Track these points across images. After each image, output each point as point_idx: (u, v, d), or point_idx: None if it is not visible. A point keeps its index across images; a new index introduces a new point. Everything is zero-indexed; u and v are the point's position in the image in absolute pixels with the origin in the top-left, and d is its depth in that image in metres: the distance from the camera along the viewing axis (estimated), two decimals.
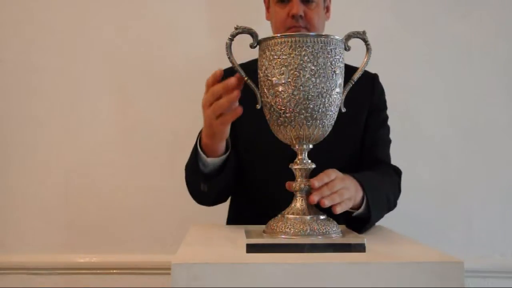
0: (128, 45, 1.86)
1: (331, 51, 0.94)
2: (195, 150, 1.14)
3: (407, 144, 1.81)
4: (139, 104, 1.86)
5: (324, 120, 0.97)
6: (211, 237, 1.07)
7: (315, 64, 0.92)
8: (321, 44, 0.93)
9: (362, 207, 1.12)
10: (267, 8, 1.41)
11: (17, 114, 1.85)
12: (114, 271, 1.83)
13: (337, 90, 0.97)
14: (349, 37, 1.00)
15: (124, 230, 1.85)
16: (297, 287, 0.80)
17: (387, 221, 1.32)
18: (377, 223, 1.31)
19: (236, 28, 0.95)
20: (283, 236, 0.93)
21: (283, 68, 0.93)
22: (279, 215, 0.99)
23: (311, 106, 0.94)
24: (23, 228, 1.85)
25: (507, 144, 1.89)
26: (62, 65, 1.85)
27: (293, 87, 0.93)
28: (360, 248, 0.91)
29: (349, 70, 1.42)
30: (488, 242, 1.87)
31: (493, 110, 1.89)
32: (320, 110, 0.95)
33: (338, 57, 0.96)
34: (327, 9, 1.40)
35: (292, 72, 0.92)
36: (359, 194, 1.10)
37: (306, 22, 1.30)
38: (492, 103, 1.89)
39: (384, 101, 1.42)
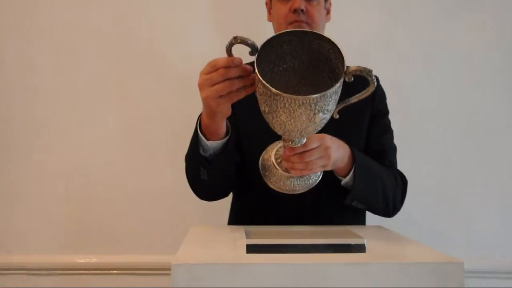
0: (128, 45, 1.86)
1: (313, 110, 0.86)
2: (195, 134, 1.13)
3: (407, 145, 1.81)
4: (140, 105, 1.86)
5: (313, 132, 0.94)
6: (211, 238, 1.07)
7: (292, 121, 0.88)
8: (299, 104, 0.84)
9: (349, 176, 1.17)
10: (269, 10, 1.42)
11: (17, 114, 1.85)
12: (114, 271, 1.83)
13: (324, 120, 0.91)
14: (350, 72, 0.89)
15: (124, 230, 1.85)
16: (297, 287, 0.80)
17: (387, 221, 1.32)
18: (376, 224, 1.31)
19: (234, 39, 0.91)
20: (272, 186, 1.08)
21: (266, 107, 0.89)
22: (272, 164, 1.06)
23: (293, 137, 0.96)
24: (23, 229, 1.85)
25: (507, 144, 1.88)
26: (62, 65, 1.85)
27: (272, 128, 0.93)
28: (360, 248, 0.91)
29: None
30: (488, 242, 1.87)
31: (493, 110, 1.89)
32: (305, 134, 0.95)
33: (323, 111, 0.88)
34: (328, 11, 1.41)
35: (271, 118, 0.90)
36: (345, 161, 1.15)
37: (308, 17, 1.31)
38: (492, 104, 1.89)
39: (386, 105, 1.42)
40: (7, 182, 1.85)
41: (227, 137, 1.13)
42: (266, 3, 1.44)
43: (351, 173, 1.18)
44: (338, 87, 0.87)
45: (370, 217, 1.41)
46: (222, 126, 1.10)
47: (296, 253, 0.89)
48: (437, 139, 1.88)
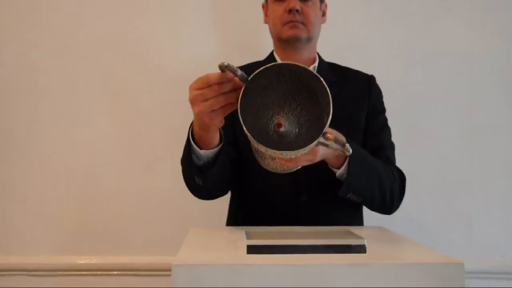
0: (128, 45, 1.86)
1: (289, 156, 0.91)
2: (187, 143, 1.13)
3: (407, 145, 1.81)
4: (140, 105, 1.86)
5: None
6: (212, 239, 1.07)
7: (271, 154, 0.92)
8: (274, 152, 0.89)
9: (343, 167, 1.16)
10: (265, 12, 1.44)
11: (18, 115, 1.85)
12: (115, 272, 1.83)
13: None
14: (327, 138, 0.90)
15: (124, 231, 1.85)
16: None
17: (387, 222, 1.32)
18: (376, 224, 1.31)
19: (226, 67, 0.90)
20: (257, 158, 1.09)
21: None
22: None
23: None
24: (24, 230, 1.85)
25: (507, 144, 1.88)
26: (62, 66, 1.86)
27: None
28: (360, 249, 0.91)
29: (342, 71, 1.43)
30: (489, 243, 1.87)
31: (493, 110, 1.89)
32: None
33: (301, 153, 0.92)
34: (323, 13, 1.43)
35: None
36: (337, 153, 1.13)
37: (303, 17, 1.32)
38: (493, 104, 1.89)
39: (382, 103, 1.43)
40: (7, 183, 1.85)
41: (221, 145, 1.13)
42: (263, 6, 1.45)
43: (345, 164, 1.16)
44: (314, 144, 0.89)
45: (370, 217, 1.41)
46: (216, 136, 1.10)
47: (297, 253, 0.89)
48: (437, 138, 1.88)
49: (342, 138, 0.97)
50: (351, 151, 0.91)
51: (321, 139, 0.90)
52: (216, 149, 1.12)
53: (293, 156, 0.91)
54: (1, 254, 1.84)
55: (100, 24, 1.86)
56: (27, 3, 1.86)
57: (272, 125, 0.98)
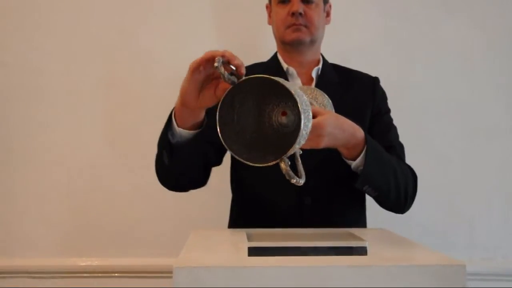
0: (129, 47, 1.87)
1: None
2: (168, 119, 1.13)
3: (408, 145, 1.79)
4: (141, 106, 1.86)
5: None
6: (213, 241, 1.07)
7: None
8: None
9: (359, 158, 1.14)
10: (269, 13, 1.43)
11: (19, 117, 1.86)
12: (116, 274, 1.83)
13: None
14: (282, 167, 0.90)
15: (125, 233, 1.85)
16: None
17: (389, 223, 1.32)
18: (378, 226, 1.31)
19: (216, 65, 0.89)
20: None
21: None
22: None
23: None
24: (25, 232, 1.85)
25: (509, 144, 1.88)
26: (63, 68, 1.86)
27: None
28: (362, 251, 0.91)
29: (346, 72, 1.43)
30: (490, 244, 1.87)
31: (495, 111, 1.89)
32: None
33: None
34: (327, 13, 1.42)
35: None
36: (350, 145, 1.12)
37: (306, 20, 1.32)
38: (494, 104, 1.89)
39: (386, 105, 1.42)
40: (8, 185, 1.85)
41: (198, 130, 1.12)
42: (267, 7, 1.45)
43: (361, 155, 1.14)
44: (272, 163, 0.88)
45: (372, 219, 1.41)
46: (196, 119, 1.09)
47: (298, 255, 0.88)
48: (439, 139, 1.88)
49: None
50: (301, 182, 0.89)
51: (280, 161, 0.88)
52: (192, 132, 1.11)
53: (255, 165, 0.89)
54: (3, 256, 1.84)
55: (101, 26, 1.87)
56: (29, 5, 1.86)
57: (278, 110, 0.97)
